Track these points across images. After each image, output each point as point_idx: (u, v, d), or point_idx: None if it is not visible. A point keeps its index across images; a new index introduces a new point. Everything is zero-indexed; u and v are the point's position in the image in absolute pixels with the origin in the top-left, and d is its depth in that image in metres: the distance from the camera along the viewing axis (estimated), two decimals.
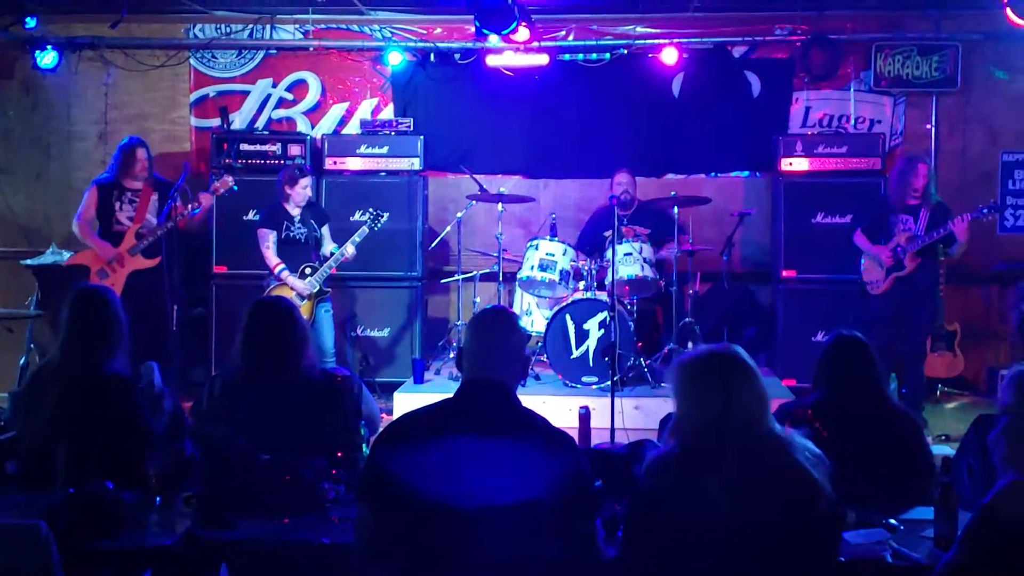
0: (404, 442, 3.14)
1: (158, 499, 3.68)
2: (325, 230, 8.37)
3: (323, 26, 10.26)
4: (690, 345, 8.47)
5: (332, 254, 8.11)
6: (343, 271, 8.39)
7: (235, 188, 8.33)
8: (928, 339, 8.82)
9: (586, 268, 8.59)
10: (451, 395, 3.29)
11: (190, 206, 8.01)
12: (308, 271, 8.08)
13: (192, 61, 10.39)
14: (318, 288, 8.07)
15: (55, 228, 10.26)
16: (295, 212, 8.18)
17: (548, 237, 8.82)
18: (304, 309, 7.94)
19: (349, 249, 8.09)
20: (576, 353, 8.33)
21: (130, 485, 3.71)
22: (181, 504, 3.72)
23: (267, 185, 8.62)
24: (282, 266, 8.04)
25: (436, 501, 2.98)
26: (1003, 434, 3.04)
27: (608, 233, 8.34)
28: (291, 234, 8.14)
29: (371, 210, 8.32)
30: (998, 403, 4.07)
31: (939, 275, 8.22)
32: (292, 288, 7.99)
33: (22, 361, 8.98)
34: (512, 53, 9.69)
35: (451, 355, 9.06)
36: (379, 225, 8.25)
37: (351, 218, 9.08)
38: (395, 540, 3.05)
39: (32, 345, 9.09)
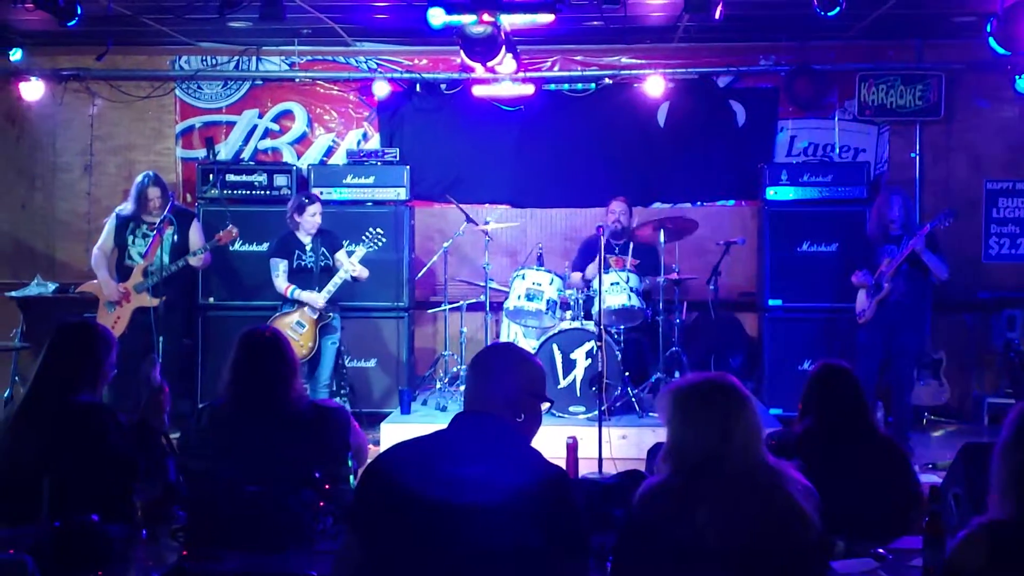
0: (393, 472, 3.12)
1: (144, 532, 3.65)
2: (341, 255, 8.33)
3: (309, 58, 10.29)
4: (677, 374, 8.48)
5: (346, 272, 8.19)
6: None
7: (238, 239, 8.68)
8: (915, 367, 8.83)
9: (573, 298, 8.60)
10: (440, 426, 3.28)
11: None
12: None
13: (178, 92, 10.39)
14: (330, 296, 8.09)
15: (40, 259, 10.24)
16: (306, 240, 8.23)
17: (535, 267, 8.82)
18: (307, 336, 8.00)
19: (358, 268, 8.17)
20: (563, 383, 8.31)
21: (116, 518, 3.67)
22: (168, 537, 3.70)
23: (254, 216, 8.71)
24: (292, 287, 8.10)
25: (424, 531, 2.97)
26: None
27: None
28: (302, 263, 8.21)
29: (370, 230, 8.28)
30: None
31: (928, 304, 8.22)
32: (305, 302, 8.06)
33: (6, 394, 8.92)
34: (498, 84, 9.72)
35: (438, 386, 9.05)
36: (378, 244, 8.29)
37: None
38: (380, 571, 3.03)
39: (16, 378, 9.05)
